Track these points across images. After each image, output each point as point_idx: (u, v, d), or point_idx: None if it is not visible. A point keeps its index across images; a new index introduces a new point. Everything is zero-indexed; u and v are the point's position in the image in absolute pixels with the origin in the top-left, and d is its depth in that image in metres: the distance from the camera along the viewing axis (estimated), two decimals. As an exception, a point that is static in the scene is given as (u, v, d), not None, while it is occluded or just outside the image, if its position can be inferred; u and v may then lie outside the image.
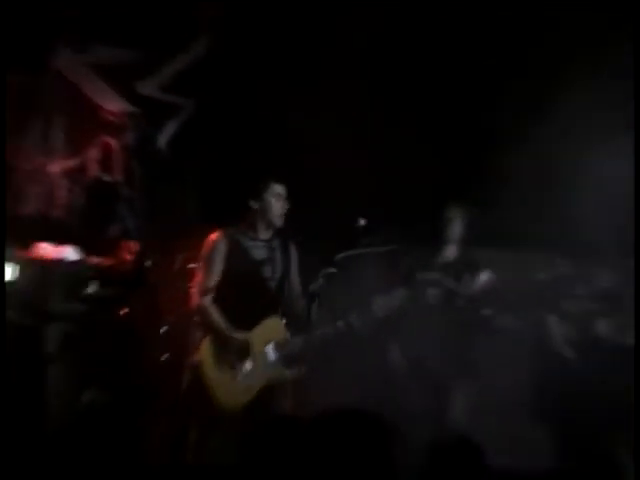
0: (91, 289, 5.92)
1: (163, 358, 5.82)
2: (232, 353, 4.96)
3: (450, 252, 5.62)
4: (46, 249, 5.84)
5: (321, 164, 5.84)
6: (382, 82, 6.32)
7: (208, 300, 5.02)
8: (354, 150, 6.04)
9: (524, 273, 5.52)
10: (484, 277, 5.45)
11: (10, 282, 5.48)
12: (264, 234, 5.12)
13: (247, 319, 5.00)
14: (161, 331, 5.90)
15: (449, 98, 6.38)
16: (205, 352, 4.99)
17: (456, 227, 5.59)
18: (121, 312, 5.93)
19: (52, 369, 5.57)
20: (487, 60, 6.26)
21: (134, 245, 6.18)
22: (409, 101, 6.37)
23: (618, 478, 4.16)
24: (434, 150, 6.17)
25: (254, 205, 5.02)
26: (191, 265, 5.72)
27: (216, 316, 4.98)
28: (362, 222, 5.01)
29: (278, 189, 5.06)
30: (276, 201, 5.05)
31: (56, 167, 6.45)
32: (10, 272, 5.56)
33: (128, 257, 6.16)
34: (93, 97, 6.56)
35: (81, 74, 6.40)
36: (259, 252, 5.16)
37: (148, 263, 6.08)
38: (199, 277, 5.11)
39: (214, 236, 5.11)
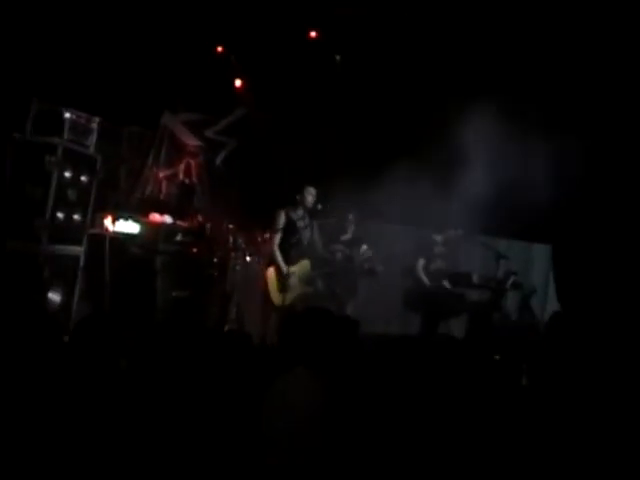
0: (178, 238, 7.53)
1: (215, 273, 7.71)
2: (283, 276, 7.05)
3: (350, 231, 7.76)
4: (155, 216, 7.50)
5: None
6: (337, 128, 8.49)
7: (276, 245, 7.08)
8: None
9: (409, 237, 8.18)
10: (363, 248, 7.64)
11: (137, 234, 7.15)
12: (302, 212, 7.15)
13: (292, 259, 7.10)
14: (214, 260, 7.72)
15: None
16: (270, 273, 7.11)
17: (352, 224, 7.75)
18: (193, 250, 7.65)
19: (158, 279, 7.18)
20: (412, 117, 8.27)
21: (200, 216, 8.06)
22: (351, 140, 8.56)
23: (454, 345, 5.29)
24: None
25: (298, 197, 7.13)
26: (231, 226, 7.92)
27: (278, 255, 7.05)
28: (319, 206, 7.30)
29: (311, 190, 7.15)
30: (309, 195, 7.13)
31: (162, 174, 8.56)
32: (137, 228, 7.16)
33: (197, 222, 7.93)
34: (182, 138, 8.79)
35: (176, 126, 8.68)
36: (300, 221, 7.12)
37: (207, 225, 7.93)
38: (272, 232, 7.05)
39: (280, 210, 7.03)
